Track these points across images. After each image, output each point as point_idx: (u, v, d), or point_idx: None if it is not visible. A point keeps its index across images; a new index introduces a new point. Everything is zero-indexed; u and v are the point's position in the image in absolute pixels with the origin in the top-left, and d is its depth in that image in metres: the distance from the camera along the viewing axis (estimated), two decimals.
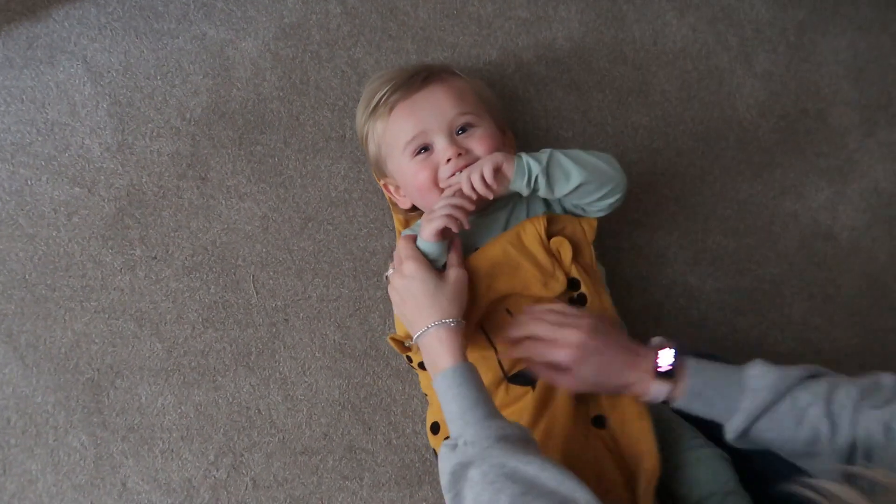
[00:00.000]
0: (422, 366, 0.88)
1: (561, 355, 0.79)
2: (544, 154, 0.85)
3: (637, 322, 1.07)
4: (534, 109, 1.11)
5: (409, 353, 0.91)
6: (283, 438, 0.97)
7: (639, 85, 1.15)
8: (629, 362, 0.79)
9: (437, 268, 0.84)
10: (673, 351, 0.78)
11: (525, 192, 0.86)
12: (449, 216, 0.83)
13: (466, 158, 0.87)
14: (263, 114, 1.05)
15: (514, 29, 1.13)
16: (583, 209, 0.91)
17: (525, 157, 0.85)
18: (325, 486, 0.96)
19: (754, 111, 1.18)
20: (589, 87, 1.13)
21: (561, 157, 0.85)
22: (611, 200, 0.89)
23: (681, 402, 0.78)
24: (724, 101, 1.17)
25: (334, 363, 1.00)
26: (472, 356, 0.82)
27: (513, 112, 1.09)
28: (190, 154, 1.03)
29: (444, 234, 0.85)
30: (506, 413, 0.81)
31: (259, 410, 0.97)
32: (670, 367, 0.78)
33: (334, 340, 1.00)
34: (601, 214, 0.92)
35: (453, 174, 0.87)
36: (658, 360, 0.78)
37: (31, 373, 0.95)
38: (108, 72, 1.03)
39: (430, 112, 0.88)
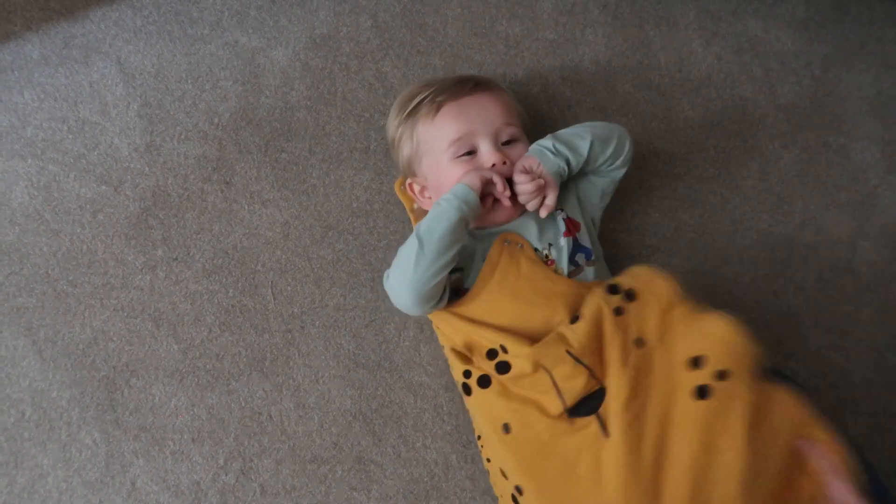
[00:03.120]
0: (482, 382, 0.85)
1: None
2: (545, 137, 0.91)
3: None
4: (557, 130, 1.12)
5: (470, 367, 0.86)
6: (293, 446, 0.97)
7: (662, 111, 1.15)
8: None
9: (464, 225, 0.85)
10: None
11: (561, 166, 0.89)
12: (503, 183, 0.87)
13: (508, 169, 0.88)
14: (290, 122, 1.06)
15: (542, 50, 1.14)
16: (607, 174, 0.95)
17: (533, 144, 0.90)
18: (333, 497, 0.96)
19: (777, 142, 1.18)
20: (613, 111, 1.14)
21: (560, 133, 0.91)
22: (625, 152, 0.93)
23: None
24: (746, 130, 1.17)
25: (347, 373, 1.00)
26: (533, 390, 0.81)
27: (536, 132, 1.09)
28: (216, 158, 1.04)
29: (483, 193, 0.87)
30: (570, 442, 0.78)
31: (271, 416, 0.98)
32: None
33: (349, 350, 1.01)
34: (623, 170, 0.96)
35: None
36: None
37: (48, 367, 0.95)
38: (141, 74, 1.05)
39: (479, 116, 0.90)
